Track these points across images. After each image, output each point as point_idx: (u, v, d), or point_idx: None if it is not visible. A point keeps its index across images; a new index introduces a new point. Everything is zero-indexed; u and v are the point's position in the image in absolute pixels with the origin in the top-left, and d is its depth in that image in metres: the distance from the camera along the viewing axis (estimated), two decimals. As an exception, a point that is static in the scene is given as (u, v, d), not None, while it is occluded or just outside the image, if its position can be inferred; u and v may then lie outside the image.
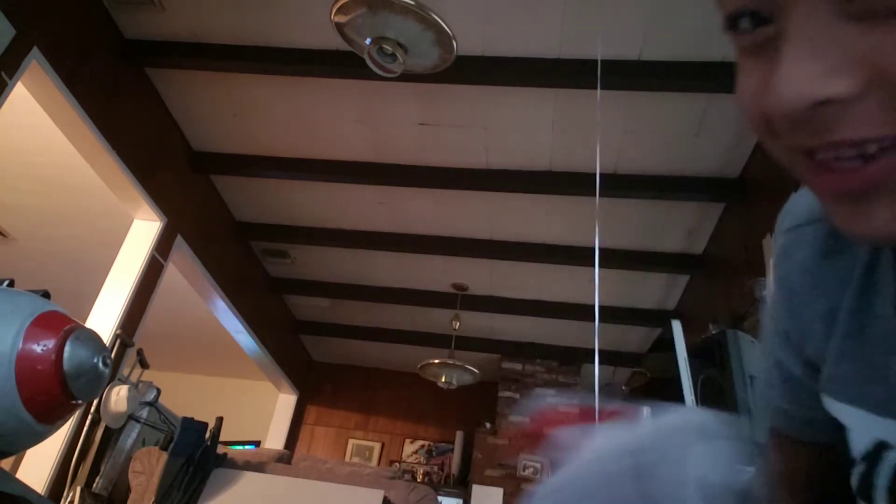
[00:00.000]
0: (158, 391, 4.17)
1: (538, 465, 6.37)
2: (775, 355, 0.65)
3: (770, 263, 0.67)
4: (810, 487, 0.67)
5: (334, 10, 2.79)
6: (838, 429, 0.57)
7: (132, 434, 4.07)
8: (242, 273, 5.91)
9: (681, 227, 4.74)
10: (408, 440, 7.71)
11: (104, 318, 4.19)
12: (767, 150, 0.45)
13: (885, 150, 0.37)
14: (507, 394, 6.93)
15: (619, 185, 4.24)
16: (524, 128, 4.09)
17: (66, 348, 1.45)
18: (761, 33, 0.41)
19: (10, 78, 3.22)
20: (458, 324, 6.00)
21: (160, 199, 4.51)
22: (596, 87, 3.15)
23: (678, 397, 2.98)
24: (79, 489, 3.71)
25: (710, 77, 3.44)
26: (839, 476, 0.59)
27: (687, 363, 3.05)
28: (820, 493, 0.66)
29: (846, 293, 0.55)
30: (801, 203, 0.63)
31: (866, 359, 0.53)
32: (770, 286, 0.64)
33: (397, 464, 7.43)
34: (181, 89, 4.32)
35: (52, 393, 1.43)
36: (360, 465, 7.21)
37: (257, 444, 7.52)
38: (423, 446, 7.66)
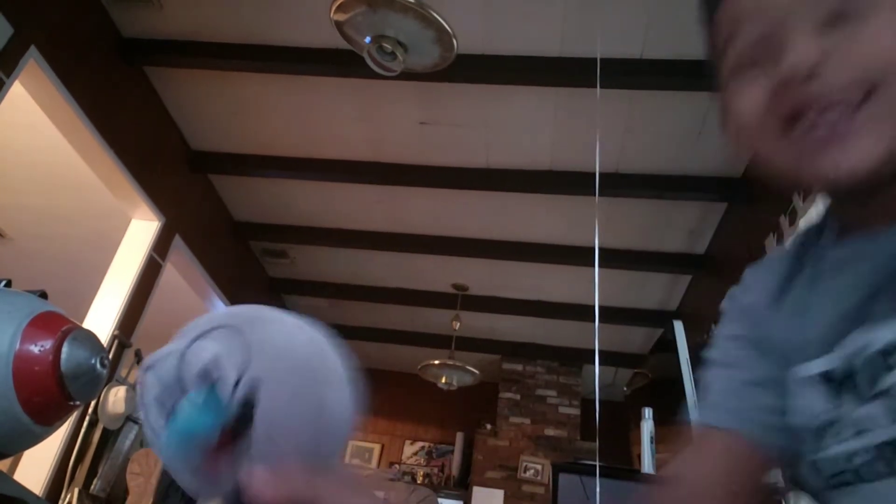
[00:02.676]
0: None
1: (539, 467, 6.36)
2: (750, 369, 0.72)
3: (722, 305, 0.79)
4: (755, 488, 0.70)
5: (334, 9, 2.78)
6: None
7: (130, 435, 4.04)
8: (241, 273, 5.89)
9: (683, 226, 4.72)
10: (408, 441, 7.68)
11: (102, 319, 4.16)
12: (767, 158, 0.62)
13: (849, 108, 0.56)
14: (508, 395, 6.91)
15: (621, 184, 4.23)
16: (525, 127, 4.08)
17: (64, 349, 1.44)
18: (760, 45, 0.62)
19: (8, 77, 3.20)
20: (458, 324, 5.98)
21: (158, 198, 4.48)
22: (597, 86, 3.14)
23: (680, 398, 2.97)
24: (76, 491, 3.69)
25: (713, 75, 3.41)
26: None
27: (689, 364, 3.03)
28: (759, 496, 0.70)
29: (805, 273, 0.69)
30: (762, 259, 0.80)
31: (829, 292, 0.64)
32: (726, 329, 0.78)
33: (397, 465, 7.41)
34: (179, 88, 4.30)
35: (49, 394, 1.41)
36: (360, 467, 7.19)
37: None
38: (423, 448, 7.64)
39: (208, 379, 0.54)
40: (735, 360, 0.73)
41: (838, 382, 0.60)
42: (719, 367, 0.75)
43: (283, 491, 0.43)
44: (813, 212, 3.09)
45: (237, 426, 0.52)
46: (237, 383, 0.54)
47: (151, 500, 3.30)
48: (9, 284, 1.58)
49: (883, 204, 0.60)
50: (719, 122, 0.71)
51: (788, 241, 0.77)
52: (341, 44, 3.04)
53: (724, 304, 0.80)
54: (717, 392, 0.73)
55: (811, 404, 0.62)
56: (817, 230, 0.72)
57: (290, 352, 0.61)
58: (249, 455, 0.52)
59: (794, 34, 0.58)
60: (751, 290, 0.76)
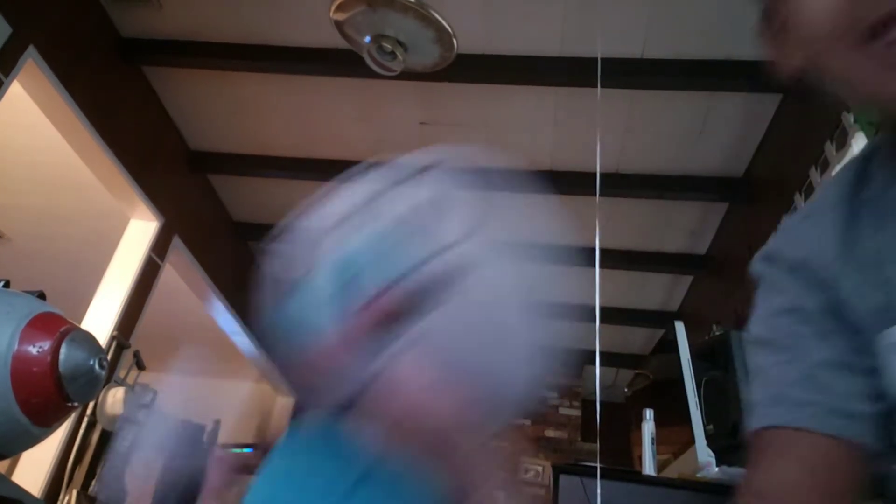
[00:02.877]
0: (155, 393, 4.13)
1: (540, 469, 6.34)
2: (818, 349, 0.60)
3: (756, 270, 0.63)
4: (847, 489, 0.58)
5: (333, 8, 2.77)
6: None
7: (128, 437, 4.02)
8: (240, 274, 5.87)
9: (684, 226, 4.71)
10: (407, 442, 7.68)
11: (100, 320, 4.15)
12: (832, 68, 0.55)
13: None
14: (508, 395, 6.89)
15: (621, 184, 4.22)
16: (525, 127, 4.07)
17: (62, 350, 1.43)
18: None
19: (6, 76, 3.18)
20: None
21: (157, 198, 4.47)
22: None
23: (681, 399, 2.95)
24: (75, 492, 3.67)
25: (714, 75, 3.42)
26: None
27: (690, 365, 3.02)
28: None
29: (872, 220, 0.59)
30: (802, 210, 0.68)
31: None
32: (784, 289, 0.59)
33: (396, 466, 7.40)
34: (179, 88, 4.28)
35: (47, 395, 1.41)
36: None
37: (254, 447, 7.47)
38: (422, 448, 7.63)
39: (413, 224, 0.41)
40: (796, 341, 0.61)
41: None
42: (774, 349, 0.63)
43: (429, 397, 0.30)
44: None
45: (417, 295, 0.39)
46: (434, 254, 0.40)
47: (149, 501, 3.28)
48: (7, 285, 1.57)
49: None
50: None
51: (827, 185, 0.66)
52: (341, 43, 3.03)
53: (761, 269, 0.68)
54: (780, 384, 0.61)
55: None
56: (862, 170, 0.63)
57: (517, 277, 0.45)
58: (406, 339, 0.39)
59: None
60: (800, 245, 0.64)
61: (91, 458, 3.88)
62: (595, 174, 3.31)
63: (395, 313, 0.40)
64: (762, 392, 0.63)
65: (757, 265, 0.68)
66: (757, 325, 0.66)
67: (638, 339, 6.24)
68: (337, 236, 0.43)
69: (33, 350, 1.39)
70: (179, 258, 4.88)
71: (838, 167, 2.88)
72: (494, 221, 0.43)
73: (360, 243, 0.42)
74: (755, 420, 0.62)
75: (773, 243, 0.68)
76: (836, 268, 0.60)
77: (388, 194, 0.42)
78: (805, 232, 0.65)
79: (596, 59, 3.19)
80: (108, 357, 3.84)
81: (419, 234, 0.41)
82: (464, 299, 0.40)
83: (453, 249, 0.40)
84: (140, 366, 4.26)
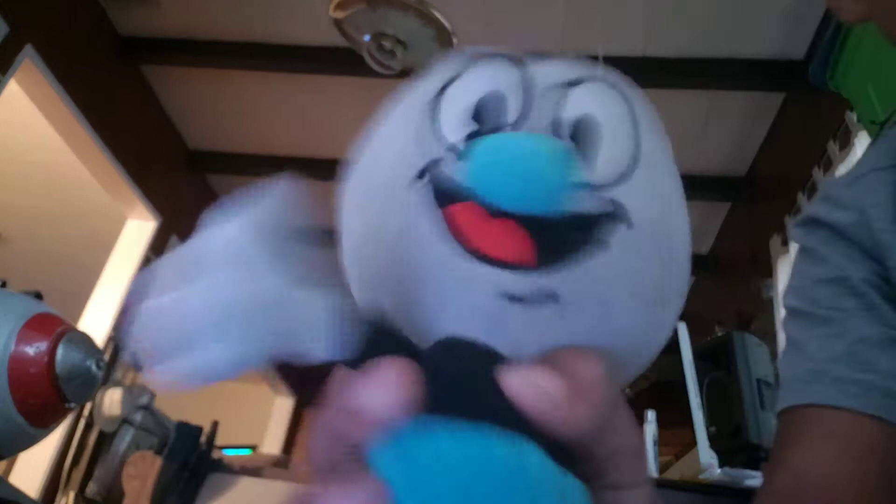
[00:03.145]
0: (152, 394, 4.11)
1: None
2: (862, 325, 0.56)
3: (796, 235, 0.57)
4: None
5: (333, 6, 2.76)
6: None
7: (126, 438, 4.00)
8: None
9: (685, 226, 4.70)
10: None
11: (97, 320, 4.13)
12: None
13: None
14: (508, 396, 6.88)
15: (623, 184, 4.20)
16: (526, 126, 4.05)
17: (59, 351, 1.41)
18: None
19: (3, 75, 3.17)
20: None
21: (155, 198, 4.45)
22: (600, 84, 3.11)
23: (683, 400, 2.94)
24: (72, 494, 3.65)
25: (716, 73, 3.40)
26: None
27: (692, 366, 3.00)
28: None
29: None
30: (850, 171, 0.63)
31: None
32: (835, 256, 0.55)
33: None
34: (177, 87, 4.26)
35: (44, 396, 1.40)
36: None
37: (253, 448, 7.46)
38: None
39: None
40: (838, 314, 0.57)
41: None
42: (813, 321, 0.58)
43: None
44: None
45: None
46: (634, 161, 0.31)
47: (147, 503, 3.26)
48: (4, 285, 1.56)
49: None
50: None
51: (873, 148, 0.63)
52: (341, 42, 3.01)
53: (800, 236, 0.63)
54: (821, 358, 0.56)
55: None
56: None
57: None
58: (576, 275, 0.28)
59: None
60: (850, 207, 0.59)
61: (88, 459, 3.86)
62: (597, 173, 3.29)
63: None
64: (799, 367, 0.59)
65: (796, 232, 0.64)
66: (794, 296, 0.61)
67: (638, 339, 6.22)
68: None
69: (30, 351, 1.38)
70: (177, 258, 4.86)
71: (842, 167, 2.87)
72: None
73: None
74: (790, 396, 0.58)
75: (815, 208, 0.63)
76: (889, 234, 0.56)
77: None
78: (855, 194, 0.60)
79: (597, 57, 3.17)
80: (106, 358, 3.82)
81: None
82: None
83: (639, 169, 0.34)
84: (137, 367, 4.24)
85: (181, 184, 4.81)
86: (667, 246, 0.31)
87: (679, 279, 0.32)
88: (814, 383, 0.56)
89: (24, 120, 4.19)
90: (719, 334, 3.39)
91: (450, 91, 0.33)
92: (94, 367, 1.48)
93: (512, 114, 0.31)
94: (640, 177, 0.31)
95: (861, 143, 2.68)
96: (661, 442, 3.18)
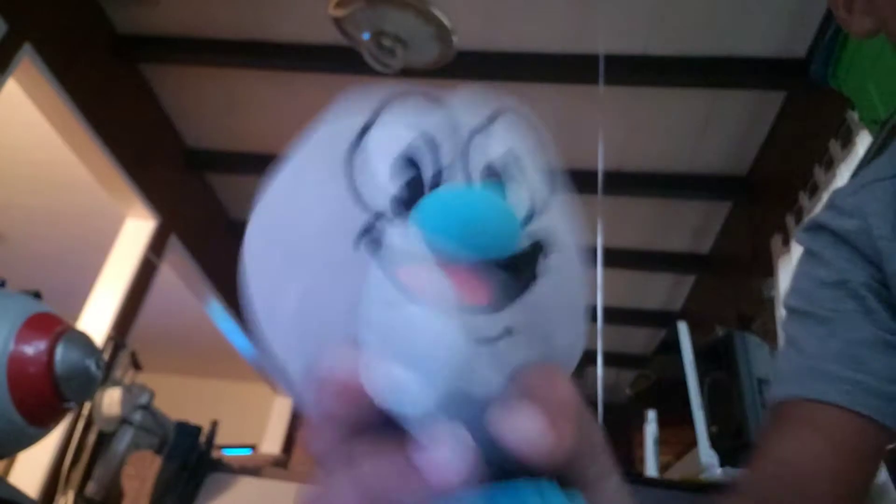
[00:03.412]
0: (152, 394, 4.10)
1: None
2: (859, 327, 0.59)
3: (802, 239, 0.61)
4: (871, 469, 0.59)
5: (332, 5, 2.75)
6: None
7: (125, 438, 3.99)
8: (238, 273, 5.84)
9: (686, 226, 4.69)
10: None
11: (96, 320, 4.12)
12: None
13: None
14: (508, 396, 6.86)
15: (624, 183, 4.19)
16: (526, 125, 4.04)
17: (58, 350, 1.41)
18: None
19: (2, 74, 3.17)
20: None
21: (153, 197, 4.44)
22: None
23: (684, 400, 2.93)
24: (71, 493, 3.65)
25: (718, 72, 3.40)
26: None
27: (693, 366, 3.00)
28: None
29: None
30: (860, 177, 0.65)
31: None
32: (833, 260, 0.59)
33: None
34: (175, 85, 4.26)
35: (43, 395, 1.40)
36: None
37: (252, 448, 7.45)
38: (421, 449, 7.60)
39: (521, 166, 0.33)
40: (838, 315, 0.60)
41: None
42: (813, 321, 0.61)
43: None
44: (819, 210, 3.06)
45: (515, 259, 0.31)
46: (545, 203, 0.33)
47: (147, 502, 3.26)
48: (2, 285, 1.56)
49: None
50: None
51: (883, 158, 0.66)
52: (340, 40, 3.00)
53: (806, 239, 0.66)
54: (818, 356, 0.60)
55: None
56: None
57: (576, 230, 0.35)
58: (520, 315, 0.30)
59: None
60: (856, 216, 0.62)
61: (88, 459, 3.85)
62: (597, 173, 3.29)
63: None
64: (795, 363, 0.62)
65: (802, 236, 0.66)
66: (795, 297, 0.64)
67: (640, 339, 6.22)
68: None
69: (29, 350, 1.39)
70: (176, 257, 4.86)
71: (843, 166, 2.86)
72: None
73: None
74: (784, 388, 0.61)
75: (821, 215, 0.66)
76: (887, 241, 0.59)
77: None
78: (860, 203, 0.63)
79: (598, 56, 3.16)
80: (105, 357, 3.82)
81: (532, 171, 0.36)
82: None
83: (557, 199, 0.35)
84: (137, 366, 4.23)
85: (180, 183, 4.80)
86: (580, 260, 0.35)
87: (585, 288, 0.35)
88: (807, 378, 0.59)
89: (22, 118, 4.18)
90: (720, 334, 3.39)
91: (373, 135, 0.34)
92: (93, 367, 1.48)
93: (446, 157, 0.32)
94: (557, 201, 0.34)
95: (862, 141, 2.68)
96: (661, 441, 3.18)
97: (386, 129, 0.34)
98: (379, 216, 0.30)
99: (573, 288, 0.35)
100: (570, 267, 0.34)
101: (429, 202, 0.30)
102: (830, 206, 0.66)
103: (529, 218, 0.32)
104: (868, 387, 0.57)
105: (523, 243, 0.31)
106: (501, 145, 0.34)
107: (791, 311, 0.65)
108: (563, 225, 0.34)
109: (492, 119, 0.34)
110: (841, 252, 0.62)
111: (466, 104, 0.34)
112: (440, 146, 0.32)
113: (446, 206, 0.29)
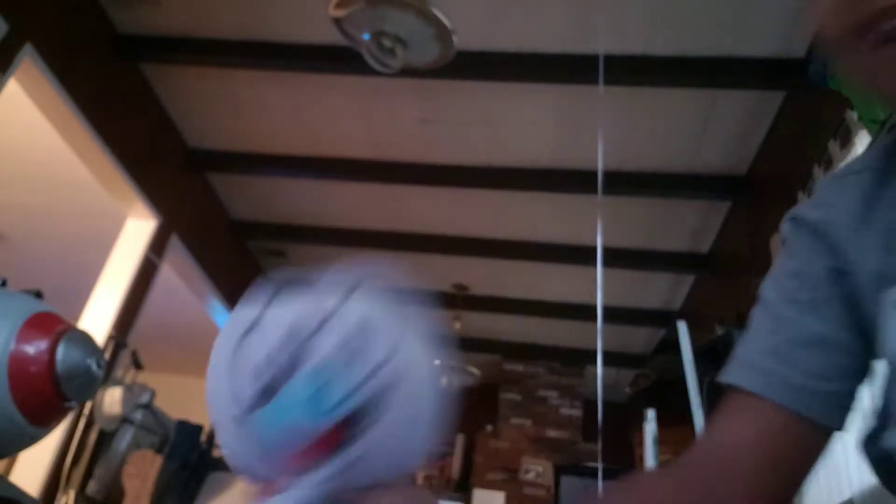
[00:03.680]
0: (153, 393, 4.11)
1: (541, 469, 6.32)
2: (803, 324, 0.64)
3: (782, 230, 0.68)
4: (786, 460, 0.64)
5: (332, 5, 2.74)
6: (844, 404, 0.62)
7: (126, 437, 4.00)
8: (239, 273, 5.85)
9: (686, 225, 4.69)
10: (407, 442, 7.63)
11: (98, 319, 4.12)
12: (846, 62, 0.55)
13: None
14: (509, 396, 6.87)
15: (624, 182, 4.19)
16: (526, 125, 4.04)
17: (59, 349, 1.42)
18: None
19: (3, 74, 3.16)
20: (458, 324, 5.95)
21: (155, 197, 4.44)
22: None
23: (684, 399, 2.94)
24: (72, 492, 3.65)
25: (717, 72, 3.39)
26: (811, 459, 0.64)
27: (693, 364, 3.00)
28: (791, 469, 0.64)
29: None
30: (835, 172, 0.70)
31: None
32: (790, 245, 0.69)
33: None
34: (176, 85, 4.26)
35: (45, 395, 1.40)
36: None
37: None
38: (422, 449, 7.59)
39: (344, 356, 0.47)
40: (788, 310, 0.65)
41: None
42: (769, 313, 0.67)
43: None
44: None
45: (342, 426, 0.46)
46: (368, 377, 0.47)
47: (147, 501, 3.26)
48: (4, 284, 1.56)
49: None
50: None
51: (863, 153, 0.70)
52: (340, 40, 3.00)
53: (785, 230, 0.70)
54: (757, 349, 0.66)
55: None
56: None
57: (425, 359, 0.52)
58: (344, 466, 0.46)
59: None
60: (824, 206, 0.67)
61: (89, 458, 3.85)
62: (597, 172, 3.29)
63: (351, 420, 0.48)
64: (741, 350, 0.68)
65: (783, 226, 0.71)
66: (767, 285, 0.70)
67: (640, 338, 6.22)
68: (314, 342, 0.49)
69: (30, 350, 1.39)
70: (177, 257, 4.86)
71: (842, 166, 2.86)
72: (413, 335, 0.53)
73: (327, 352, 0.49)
74: (730, 376, 0.67)
75: (798, 206, 0.70)
76: (849, 231, 0.62)
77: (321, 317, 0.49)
78: (830, 194, 0.67)
79: (598, 56, 3.17)
80: (106, 357, 3.82)
81: (361, 352, 0.49)
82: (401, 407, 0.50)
83: (388, 365, 0.49)
84: (138, 365, 4.23)
85: (181, 182, 4.80)
86: (430, 386, 0.50)
87: (437, 401, 0.51)
88: (748, 370, 0.65)
89: (24, 119, 4.18)
90: (720, 333, 3.40)
91: (250, 339, 0.49)
92: (94, 366, 1.48)
93: (287, 362, 0.47)
94: (407, 344, 0.50)
95: (861, 141, 2.68)
96: (660, 440, 3.18)
97: (260, 333, 0.49)
98: (250, 409, 0.47)
99: (419, 410, 0.49)
100: (421, 396, 0.49)
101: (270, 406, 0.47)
102: (811, 196, 0.71)
103: (382, 365, 0.47)
104: (796, 384, 0.62)
105: (359, 396, 0.46)
106: (332, 341, 0.48)
107: (760, 299, 0.69)
108: (412, 360, 0.49)
109: (324, 321, 0.49)
110: (805, 242, 0.67)
111: (330, 287, 0.50)
112: (303, 345, 0.47)
113: (273, 418, 0.47)
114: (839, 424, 0.63)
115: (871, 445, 0.59)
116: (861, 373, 0.63)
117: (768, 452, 0.62)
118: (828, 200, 0.67)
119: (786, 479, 0.62)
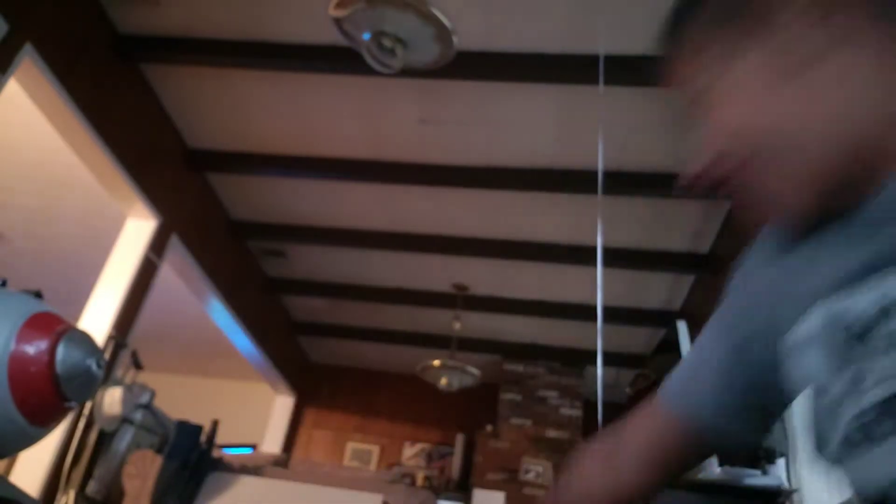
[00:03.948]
0: (153, 393, 4.11)
1: (541, 469, 6.32)
2: (720, 350, 0.77)
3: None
4: (675, 462, 0.80)
5: (332, 5, 2.74)
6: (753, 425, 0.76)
7: (126, 437, 4.00)
8: (239, 273, 5.85)
9: (686, 225, 4.69)
10: (407, 443, 7.64)
11: (98, 319, 4.13)
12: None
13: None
14: (509, 396, 6.87)
15: (624, 182, 4.19)
16: (526, 125, 4.04)
17: (59, 350, 1.42)
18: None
19: (3, 74, 3.16)
20: (458, 324, 5.95)
21: (155, 197, 4.44)
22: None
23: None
24: (72, 493, 3.65)
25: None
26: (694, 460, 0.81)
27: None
28: (676, 469, 0.81)
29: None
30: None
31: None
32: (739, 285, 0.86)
33: (397, 466, 7.36)
34: (176, 85, 4.26)
35: (45, 395, 1.40)
36: (359, 469, 7.15)
37: (253, 447, 7.46)
38: (422, 449, 7.60)
39: None
40: (707, 337, 0.79)
41: (853, 335, 0.56)
42: (704, 331, 0.81)
43: None
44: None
45: None
46: None
47: (148, 501, 3.26)
48: (4, 284, 1.56)
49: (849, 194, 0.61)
50: None
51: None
52: (340, 40, 3.00)
53: (732, 275, 0.83)
54: (683, 364, 0.81)
55: (812, 363, 0.61)
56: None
57: None
58: None
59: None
60: (754, 251, 0.81)
61: (89, 458, 3.85)
62: (597, 172, 3.29)
63: None
64: (677, 367, 0.83)
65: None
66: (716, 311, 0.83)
67: (640, 338, 6.22)
68: None
69: (30, 350, 1.39)
70: (177, 257, 4.86)
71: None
72: None
73: None
74: (664, 383, 0.81)
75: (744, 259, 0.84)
76: (767, 266, 0.75)
77: None
78: (764, 238, 0.81)
79: (598, 56, 3.17)
80: (106, 357, 3.82)
81: None
82: None
83: None
84: (138, 365, 4.23)
85: (180, 182, 4.80)
86: None
87: None
88: (670, 380, 0.81)
89: (24, 119, 4.19)
90: (719, 333, 3.39)
91: None
92: (94, 366, 1.48)
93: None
94: None
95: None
96: (661, 440, 3.17)
97: None
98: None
99: None
100: None
101: None
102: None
103: None
104: (694, 402, 0.76)
105: None
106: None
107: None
108: None
109: None
110: (738, 283, 0.81)
111: None
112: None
113: None
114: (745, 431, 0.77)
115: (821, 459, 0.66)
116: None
117: (652, 454, 0.80)
118: (758, 244, 0.81)
119: (661, 475, 0.80)
